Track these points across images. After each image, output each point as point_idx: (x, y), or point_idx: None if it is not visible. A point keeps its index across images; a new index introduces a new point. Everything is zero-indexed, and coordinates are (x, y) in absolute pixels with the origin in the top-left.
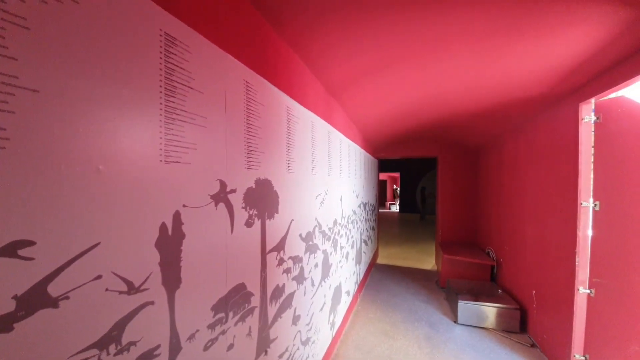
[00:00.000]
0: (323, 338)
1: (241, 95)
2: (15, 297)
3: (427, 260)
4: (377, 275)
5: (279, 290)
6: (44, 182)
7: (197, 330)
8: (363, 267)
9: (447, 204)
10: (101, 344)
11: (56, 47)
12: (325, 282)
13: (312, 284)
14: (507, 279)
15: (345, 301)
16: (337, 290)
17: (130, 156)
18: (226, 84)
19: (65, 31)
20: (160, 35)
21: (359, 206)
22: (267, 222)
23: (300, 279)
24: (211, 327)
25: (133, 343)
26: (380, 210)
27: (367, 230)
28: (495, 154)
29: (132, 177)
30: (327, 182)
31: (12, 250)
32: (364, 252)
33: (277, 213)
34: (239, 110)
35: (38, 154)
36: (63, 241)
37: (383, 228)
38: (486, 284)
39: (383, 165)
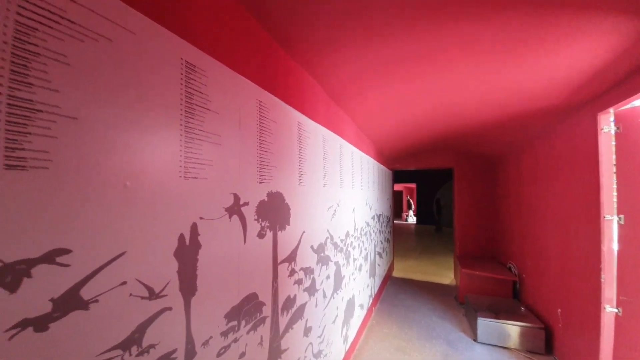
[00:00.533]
0: (336, 351)
1: (254, 113)
2: (52, 300)
3: (445, 274)
4: (392, 289)
5: (290, 301)
6: (79, 197)
7: (211, 337)
8: (377, 280)
9: (465, 216)
10: (124, 345)
11: (92, 78)
12: (337, 294)
13: (324, 296)
14: (531, 296)
15: (359, 315)
16: (350, 303)
17: (153, 173)
18: (240, 104)
19: (100, 65)
20: (181, 64)
21: (373, 218)
22: (279, 233)
23: (311, 290)
24: (224, 334)
25: (152, 346)
26: (395, 221)
27: (382, 242)
28: (513, 165)
29: (154, 191)
30: (339, 194)
31: (51, 257)
32: (379, 265)
33: (289, 225)
34: (252, 128)
35: (75, 173)
36: (95, 250)
37: (399, 240)
38: (508, 300)
39: (399, 176)
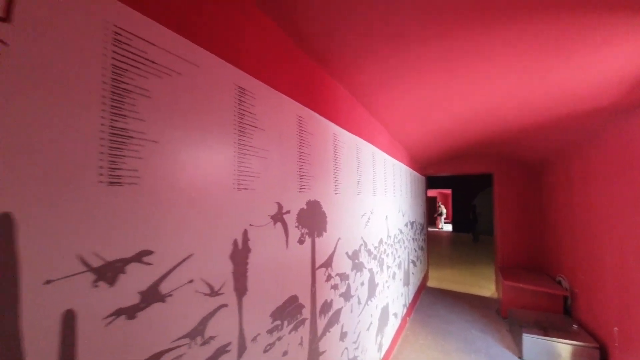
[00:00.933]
0: (370, 359)
1: (294, 128)
2: (140, 292)
3: (484, 285)
4: (427, 299)
5: (327, 305)
6: (158, 207)
7: (259, 334)
8: (412, 289)
9: (507, 225)
10: (192, 335)
11: (167, 107)
12: (371, 301)
13: (359, 302)
14: (584, 313)
15: (393, 324)
16: (384, 311)
17: (213, 185)
18: (282, 120)
19: (173, 95)
20: (235, 89)
21: (406, 225)
22: (317, 239)
23: (347, 296)
24: (270, 332)
25: (212, 338)
26: (430, 229)
27: (416, 250)
28: (561, 170)
29: (214, 202)
30: (372, 202)
31: (140, 257)
32: (413, 273)
33: (326, 231)
34: (293, 141)
35: (155, 187)
36: (170, 252)
37: (434, 248)
38: (557, 316)
39: (433, 181)
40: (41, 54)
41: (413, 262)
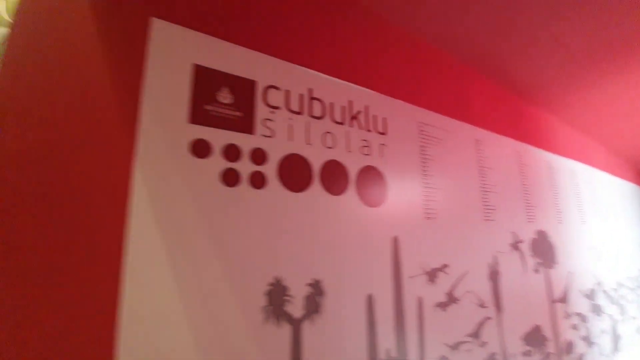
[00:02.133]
0: None
1: (515, 163)
2: (445, 293)
3: None
4: None
5: (569, 346)
6: (445, 233)
7: (515, 354)
8: None
9: None
10: (473, 335)
11: (439, 164)
12: (616, 356)
13: (601, 354)
14: None
15: None
16: None
17: (469, 218)
18: (504, 158)
19: (440, 155)
20: (473, 142)
21: None
22: (549, 271)
23: (588, 341)
24: (523, 355)
25: (485, 343)
26: None
27: None
28: None
29: (472, 230)
30: (601, 232)
31: (443, 268)
32: None
33: (556, 263)
34: (515, 175)
35: (441, 220)
36: (457, 267)
37: None
38: None
39: None
40: (399, 142)
41: None
